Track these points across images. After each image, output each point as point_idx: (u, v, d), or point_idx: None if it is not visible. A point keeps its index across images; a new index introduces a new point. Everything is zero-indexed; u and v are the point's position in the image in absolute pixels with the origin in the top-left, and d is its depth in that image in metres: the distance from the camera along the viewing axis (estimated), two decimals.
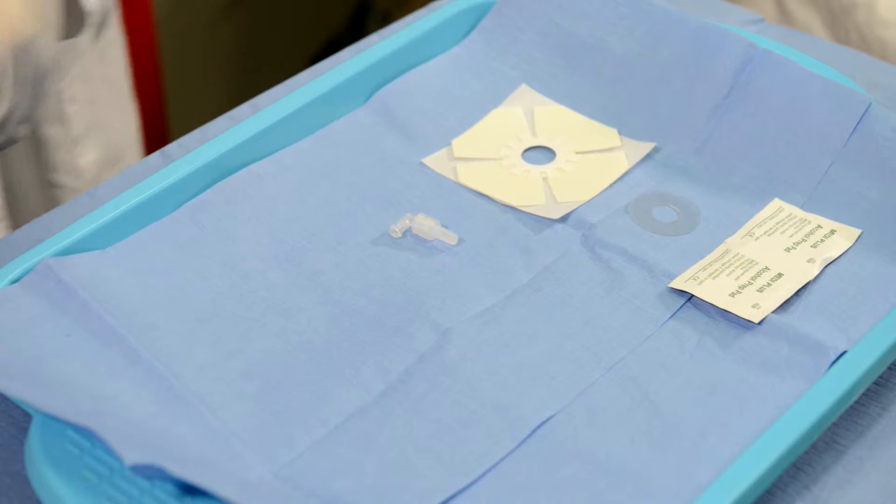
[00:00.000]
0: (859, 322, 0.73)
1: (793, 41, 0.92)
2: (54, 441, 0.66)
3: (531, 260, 0.78)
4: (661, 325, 0.74)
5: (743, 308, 0.73)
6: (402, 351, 0.72)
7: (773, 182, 0.81)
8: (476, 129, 0.86)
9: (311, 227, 0.79)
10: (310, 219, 0.79)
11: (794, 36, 0.97)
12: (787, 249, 0.77)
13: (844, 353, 0.70)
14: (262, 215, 0.79)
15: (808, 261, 0.76)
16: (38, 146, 1.12)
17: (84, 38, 1.00)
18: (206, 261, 0.76)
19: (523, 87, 0.89)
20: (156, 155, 0.86)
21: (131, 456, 0.62)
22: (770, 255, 0.77)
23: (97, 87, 1.16)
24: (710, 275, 0.75)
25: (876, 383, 0.72)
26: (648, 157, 0.84)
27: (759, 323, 0.73)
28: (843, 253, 0.77)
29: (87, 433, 0.66)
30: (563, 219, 0.80)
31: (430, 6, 0.98)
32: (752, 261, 0.76)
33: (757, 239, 0.78)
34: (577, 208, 0.81)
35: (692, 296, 0.75)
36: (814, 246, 0.77)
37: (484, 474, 0.66)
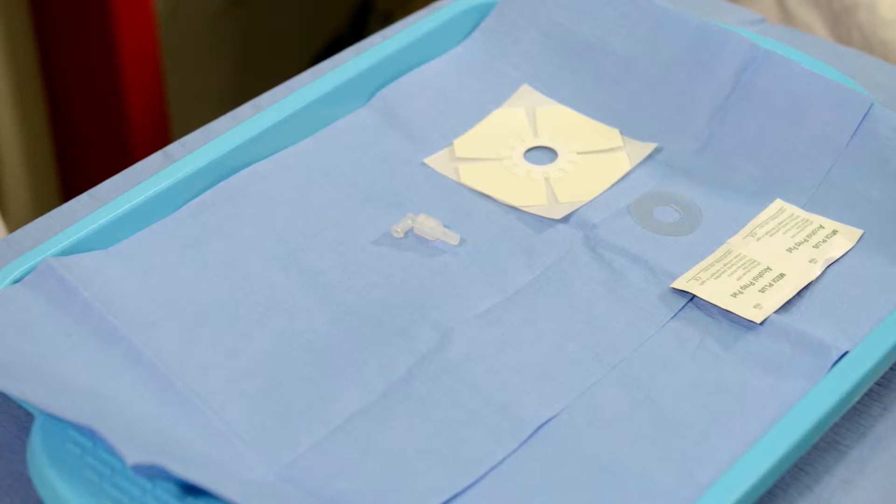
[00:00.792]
0: (861, 322, 0.73)
1: (794, 41, 0.93)
2: (56, 441, 0.66)
3: (533, 260, 0.78)
4: (663, 325, 0.74)
5: (745, 308, 0.73)
6: (403, 351, 0.72)
7: (775, 182, 0.81)
8: (478, 130, 0.86)
9: (312, 227, 0.79)
10: (311, 219, 0.79)
11: (796, 36, 0.97)
12: (789, 250, 0.77)
13: (846, 353, 0.70)
14: (264, 215, 0.79)
15: (810, 261, 0.76)
16: None
17: None
18: (208, 261, 0.76)
19: (525, 88, 0.89)
20: (158, 155, 0.86)
21: (133, 455, 0.62)
22: (772, 255, 0.77)
23: None
24: (712, 275, 0.75)
25: (878, 384, 0.72)
26: (650, 157, 0.84)
27: (761, 323, 0.73)
28: (845, 253, 0.77)
29: (88, 433, 0.66)
30: (565, 219, 0.80)
31: (432, 6, 0.98)
32: (754, 261, 0.76)
33: (759, 239, 0.78)
34: (578, 208, 0.81)
35: (694, 296, 0.75)
36: (816, 246, 0.77)
37: (486, 474, 0.66)
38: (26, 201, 1.52)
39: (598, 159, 0.84)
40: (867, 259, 0.77)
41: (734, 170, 0.82)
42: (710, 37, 0.86)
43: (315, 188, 0.81)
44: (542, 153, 0.85)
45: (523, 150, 0.85)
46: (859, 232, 0.78)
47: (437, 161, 0.84)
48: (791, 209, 0.80)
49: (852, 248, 0.78)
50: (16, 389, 0.66)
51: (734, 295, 0.74)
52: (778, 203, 0.80)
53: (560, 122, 0.86)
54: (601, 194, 0.82)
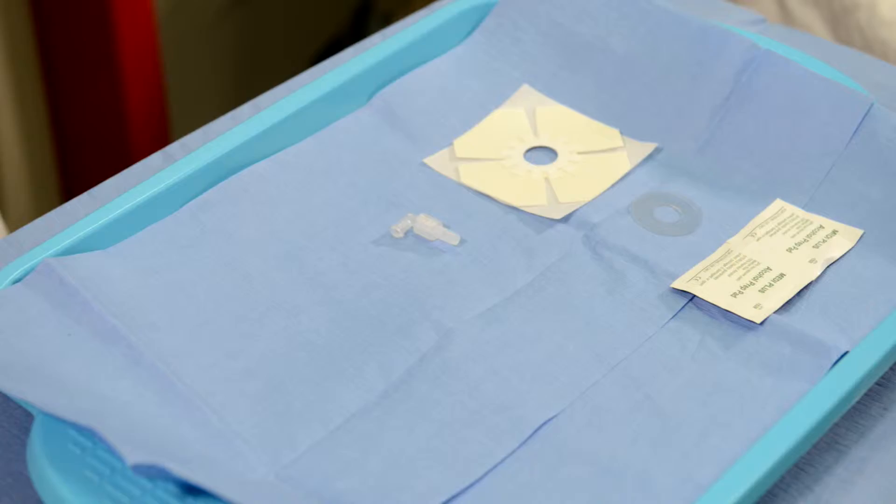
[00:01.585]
0: (861, 322, 0.73)
1: (794, 41, 0.92)
2: (56, 441, 0.66)
3: (533, 260, 0.78)
4: (663, 325, 0.74)
5: (745, 308, 0.73)
6: (403, 351, 0.72)
7: (775, 182, 0.81)
8: (478, 130, 0.86)
9: (312, 228, 0.79)
10: (311, 219, 0.79)
11: (796, 36, 0.97)
12: (789, 250, 0.77)
13: (846, 353, 0.70)
14: (264, 215, 0.79)
15: (810, 261, 0.76)
16: None
17: None
18: (208, 261, 0.76)
19: (525, 88, 0.89)
20: (157, 155, 0.86)
21: (133, 456, 0.62)
22: (772, 255, 0.77)
23: None
24: (712, 275, 0.75)
25: (878, 384, 0.72)
26: (650, 157, 0.84)
27: (761, 323, 0.73)
28: (846, 253, 0.77)
29: (88, 433, 0.66)
30: (565, 219, 0.80)
31: (432, 6, 0.98)
32: (754, 261, 0.76)
33: (759, 239, 0.78)
34: (578, 209, 0.81)
35: (694, 296, 0.75)
36: (816, 246, 0.77)
37: (486, 475, 0.66)
38: (26, 201, 1.52)
39: (598, 159, 0.84)
40: (867, 259, 0.77)
41: (734, 170, 0.83)
42: (710, 37, 0.86)
43: (315, 188, 0.81)
44: (543, 153, 0.85)
45: (523, 150, 0.85)
46: (859, 232, 0.78)
47: (437, 161, 0.84)
48: (791, 209, 0.80)
49: (852, 248, 0.78)
50: (16, 389, 0.66)
51: (734, 295, 0.74)
52: (778, 203, 0.80)
53: (560, 122, 0.86)
54: (601, 194, 0.82)
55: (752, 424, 0.68)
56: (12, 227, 1.36)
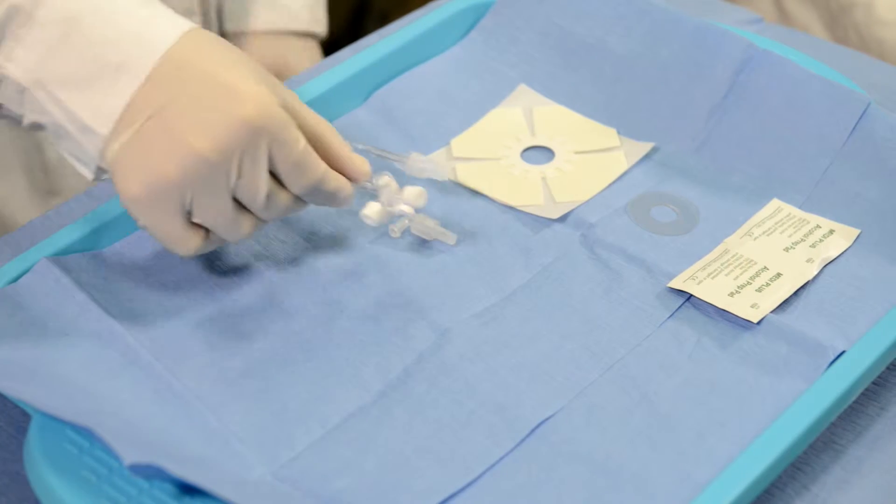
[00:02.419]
0: (858, 322, 0.73)
1: (792, 41, 0.93)
2: (53, 441, 0.66)
3: (530, 260, 0.78)
4: (660, 324, 0.74)
5: (742, 308, 0.73)
6: (401, 351, 0.72)
7: (772, 182, 0.81)
8: (475, 129, 0.86)
9: (309, 227, 0.79)
10: (309, 218, 0.79)
11: (793, 36, 0.97)
12: (786, 249, 0.77)
13: (843, 353, 0.70)
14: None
15: (807, 261, 0.76)
16: None
17: None
18: (205, 261, 0.76)
19: (522, 87, 0.89)
20: None
21: (130, 455, 0.62)
22: (769, 254, 0.77)
23: None
24: (709, 274, 0.75)
25: (874, 383, 0.73)
26: (647, 156, 0.84)
27: (758, 323, 0.73)
28: (842, 253, 0.77)
29: (86, 433, 0.66)
30: (562, 219, 0.80)
31: (429, 6, 0.98)
32: (751, 261, 0.76)
33: (756, 239, 0.78)
34: (576, 208, 0.81)
35: (691, 295, 0.75)
36: (813, 246, 0.77)
37: (483, 474, 0.66)
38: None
39: (595, 159, 0.84)
40: (864, 259, 0.77)
41: (731, 169, 0.83)
42: (707, 37, 0.86)
43: None
44: (540, 153, 0.85)
45: (520, 149, 0.85)
46: (856, 231, 0.78)
47: (435, 161, 0.84)
48: (788, 209, 0.80)
49: (849, 247, 0.78)
50: (13, 389, 0.66)
51: (731, 294, 0.74)
52: (775, 203, 0.80)
53: (557, 121, 0.86)
54: (598, 194, 0.82)
55: (749, 424, 0.68)
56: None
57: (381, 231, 0.79)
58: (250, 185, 0.69)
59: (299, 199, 0.72)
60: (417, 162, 0.79)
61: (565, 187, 0.82)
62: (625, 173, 0.83)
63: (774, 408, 0.68)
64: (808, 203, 0.80)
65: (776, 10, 1.29)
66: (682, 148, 0.84)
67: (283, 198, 0.71)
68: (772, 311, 0.73)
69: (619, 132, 0.86)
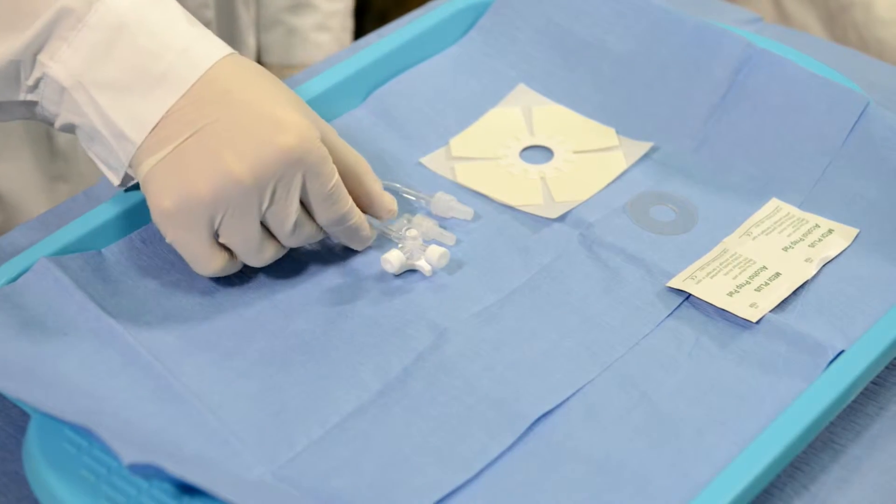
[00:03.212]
0: (857, 321, 0.73)
1: (791, 40, 0.93)
2: (52, 440, 0.66)
3: (529, 259, 0.78)
4: (659, 324, 0.74)
5: (741, 307, 0.73)
6: (399, 350, 0.72)
7: (771, 181, 0.81)
8: (474, 129, 0.86)
9: None
10: None
11: (792, 35, 0.97)
12: (785, 249, 0.77)
13: (842, 352, 0.70)
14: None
15: (806, 260, 0.76)
16: None
17: None
18: None
19: (521, 87, 0.88)
20: None
21: (129, 455, 0.62)
22: (768, 254, 0.77)
23: None
24: (708, 274, 0.75)
25: (874, 382, 0.73)
26: (646, 156, 0.84)
27: (757, 322, 0.73)
28: (841, 252, 0.77)
29: (84, 432, 0.66)
30: (561, 218, 0.80)
31: (428, 6, 0.98)
32: (750, 260, 0.76)
33: (755, 238, 0.78)
34: (574, 208, 0.81)
35: (690, 295, 0.75)
36: (812, 245, 0.77)
37: (482, 472, 0.66)
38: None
39: (594, 158, 0.84)
40: (863, 258, 0.77)
41: (730, 169, 0.83)
42: (706, 36, 0.86)
43: None
44: (539, 152, 0.85)
45: (519, 149, 0.85)
46: (855, 231, 0.78)
47: (433, 161, 0.84)
48: (787, 208, 0.80)
49: (848, 247, 0.78)
50: (12, 389, 0.66)
51: (730, 294, 0.74)
52: (774, 202, 0.80)
53: (556, 121, 0.86)
54: (597, 193, 0.82)
55: (748, 423, 0.68)
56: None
57: (380, 232, 0.79)
58: (280, 212, 0.71)
59: (321, 230, 0.74)
60: (443, 202, 0.79)
61: (564, 187, 0.82)
62: (624, 173, 0.83)
63: (773, 407, 0.68)
64: (807, 202, 0.80)
65: (775, 10, 1.29)
66: (681, 147, 0.84)
67: (308, 228, 0.73)
68: (771, 311, 0.73)
69: (618, 132, 0.85)
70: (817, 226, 0.79)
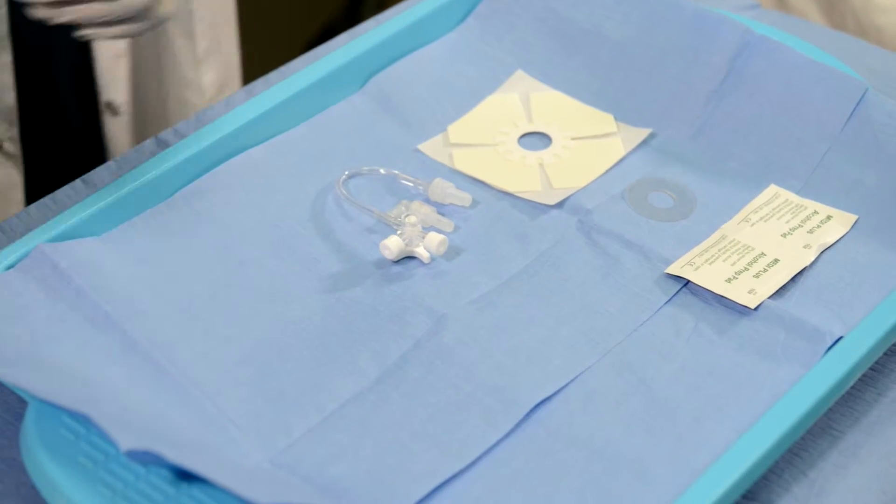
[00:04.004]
0: (855, 308, 0.73)
1: (789, 27, 0.92)
2: (50, 427, 0.66)
3: (527, 246, 0.77)
4: (657, 310, 0.74)
5: (739, 294, 0.73)
6: (397, 337, 0.72)
7: (770, 168, 0.81)
8: (472, 115, 0.86)
9: (306, 214, 0.79)
10: (305, 205, 0.79)
11: (790, 21, 0.97)
12: (784, 235, 0.77)
13: (841, 338, 0.70)
14: (258, 202, 0.79)
15: (805, 247, 0.76)
16: (163, 61, 1.13)
17: None
18: (201, 248, 0.76)
19: (519, 73, 0.88)
20: (150, 141, 0.86)
21: (126, 442, 0.62)
22: (766, 240, 0.76)
23: (216, 11, 1.18)
24: (707, 260, 0.75)
25: (872, 369, 0.72)
26: (645, 142, 0.84)
27: (756, 308, 0.73)
28: (840, 239, 0.77)
29: (82, 419, 0.66)
30: (559, 205, 0.80)
31: None
32: (749, 246, 0.76)
33: (753, 225, 0.78)
34: (573, 194, 0.80)
35: (688, 281, 0.75)
36: (810, 232, 0.77)
37: (480, 458, 0.66)
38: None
39: (592, 145, 0.84)
40: (861, 245, 0.77)
41: (729, 155, 0.82)
42: (704, 22, 0.85)
43: (309, 174, 0.81)
44: (537, 139, 0.85)
45: (517, 135, 0.85)
46: (853, 217, 0.78)
47: (431, 147, 0.84)
48: (785, 195, 0.80)
49: (847, 233, 0.78)
50: (9, 375, 0.66)
51: (728, 280, 0.74)
52: (772, 188, 0.80)
53: (554, 107, 0.86)
54: (595, 180, 0.82)
55: (747, 409, 0.68)
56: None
57: (379, 219, 0.79)
58: None
59: None
60: (441, 188, 0.79)
61: (562, 173, 0.82)
62: (622, 159, 0.83)
63: (772, 393, 0.68)
64: (806, 189, 0.80)
65: None
66: (679, 134, 0.84)
67: None
68: (769, 297, 0.73)
69: (616, 118, 0.85)
70: (816, 212, 0.78)
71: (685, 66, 0.85)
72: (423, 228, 0.77)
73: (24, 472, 0.67)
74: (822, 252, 0.76)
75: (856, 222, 0.78)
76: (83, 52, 1.05)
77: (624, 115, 0.85)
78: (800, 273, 0.75)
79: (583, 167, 0.82)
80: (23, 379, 0.66)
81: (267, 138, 0.82)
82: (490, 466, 0.66)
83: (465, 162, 0.83)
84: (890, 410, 0.71)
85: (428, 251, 0.75)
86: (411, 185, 0.80)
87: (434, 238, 0.75)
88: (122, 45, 1.05)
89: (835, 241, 0.77)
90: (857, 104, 0.81)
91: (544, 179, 0.82)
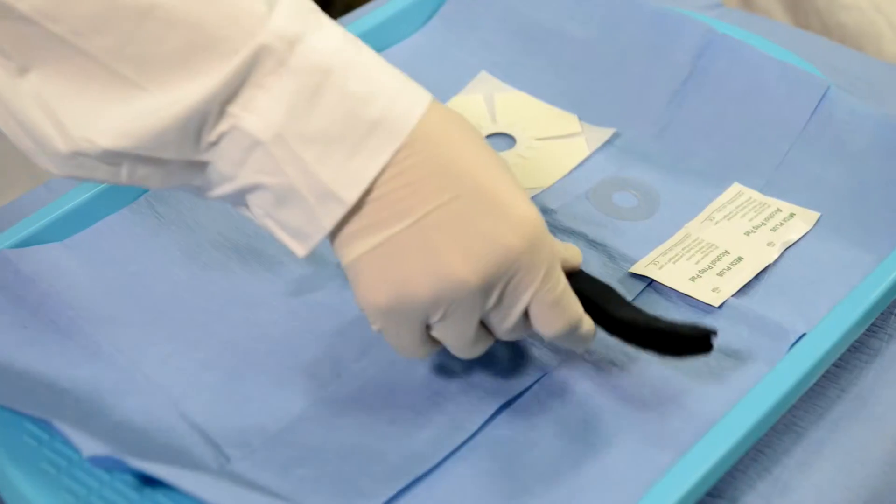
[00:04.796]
0: (818, 305, 0.73)
1: (752, 25, 0.93)
2: (12, 433, 0.66)
3: None
4: None
5: (703, 292, 0.73)
6: (362, 340, 0.72)
7: (733, 166, 0.82)
8: None
9: None
10: None
11: (754, 20, 0.98)
12: (747, 233, 0.77)
13: (804, 335, 0.71)
14: (222, 206, 0.79)
15: (768, 244, 0.77)
16: None
17: None
18: (166, 251, 0.76)
19: (483, 74, 0.88)
20: None
21: (89, 448, 0.62)
22: (730, 238, 0.77)
23: None
24: (671, 259, 0.75)
25: (835, 365, 0.73)
26: (608, 142, 0.84)
27: (720, 307, 0.73)
28: (803, 236, 0.78)
29: (45, 425, 0.65)
30: None
31: None
32: (712, 245, 0.76)
33: (717, 223, 0.78)
34: (537, 195, 0.81)
35: (653, 280, 0.75)
36: (773, 229, 0.77)
37: (446, 459, 0.66)
38: None
39: (556, 145, 0.84)
40: (824, 242, 0.77)
41: (692, 154, 0.83)
42: (666, 22, 0.86)
43: None
44: (501, 140, 0.85)
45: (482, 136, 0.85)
46: (816, 215, 0.79)
47: None
48: (749, 193, 0.80)
49: (810, 230, 0.78)
50: None
51: (692, 279, 0.74)
52: (736, 187, 0.81)
53: (518, 108, 0.86)
54: (560, 180, 0.82)
55: (711, 407, 0.68)
56: None
57: None
58: (504, 315, 0.63)
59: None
60: None
61: (527, 174, 0.82)
62: (586, 159, 0.83)
63: (736, 391, 0.68)
64: (769, 187, 0.80)
65: None
66: (642, 133, 0.84)
67: (524, 326, 0.64)
68: (733, 295, 0.74)
69: (579, 118, 0.85)
70: (779, 210, 0.79)
71: (648, 65, 0.85)
72: None
73: None
74: (786, 250, 0.77)
75: (818, 220, 0.78)
76: None
77: (588, 115, 0.85)
78: (763, 271, 0.75)
79: (547, 168, 0.82)
80: None
81: None
82: (455, 466, 0.66)
83: None
84: (853, 407, 0.71)
85: None
86: None
87: None
88: None
89: (798, 238, 0.77)
90: (819, 102, 0.81)
91: None
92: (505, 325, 0.64)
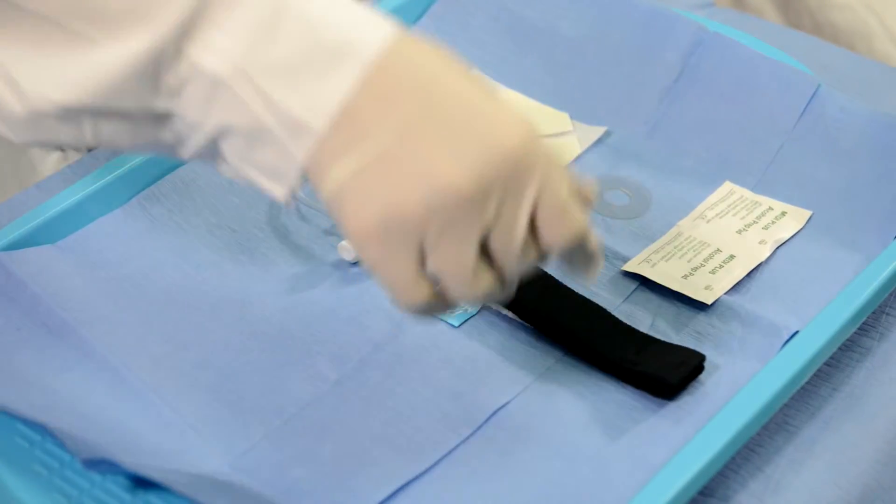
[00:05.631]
0: (811, 302, 0.73)
1: (743, 24, 0.93)
2: (4, 435, 0.65)
3: None
4: (615, 308, 0.74)
5: (695, 290, 0.74)
6: (356, 340, 0.72)
7: (724, 164, 0.82)
8: None
9: (263, 217, 0.79)
10: (262, 208, 0.79)
11: (745, 19, 0.98)
12: (739, 231, 0.77)
13: (796, 333, 0.71)
14: (214, 206, 0.79)
15: (760, 242, 0.77)
16: None
17: None
18: (158, 252, 0.76)
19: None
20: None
21: (83, 451, 0.62)
22: (722, 237, 0.77)
23: None
24: (663, 257, 0.75)
25: (827, 364, 0.73)
26: (600, 140, 0.84)
27: (712, 305, 0.73)
28: (795, 234, 0.78)
29: (37, 426, 0.65)
30: None
31: None
32: (704, 243, 0.76)
33: (709, 221, 0.78)
34: None
35: (645, 279, 0.75)
36: (765, 227, 0.78)
37: (440, 460, 0.66)
38: None
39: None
40: (816, 239, 0.77)
41: (683, 152, 0.83)
42: (658, 20, 0.86)
43: None
44: None
45: None
46: (808, 213, 0.79)
47: None
48: (740, 191, 0.80)
49: (801, 229, 0.78)
50: None
51: (685, 277, 0.74)
52: (727, 185, 0.81)
53: None
54: None
55: (704, 405, 0.68)
56: None
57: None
58: (508, 229, 0.57)
59: (544, 259, 0.60)
60: None
61: None
62: (578, 157, 0.83)
63: (728, 389, 0.68)
64: (760, 185, 0.81)
65: None
66: (634, 132, 0.84)
67: (533, 253, 0.59)
68: (725, 293, 0.74)
69: (571, 117, 0.86)
70: (770, 208, 0.79)
71: (639, 63, 0.85)
72: None
73: None
74: (778, 248, 0.77)
75: (810, 218, 0.78)
76: None
77: (579, 114, 0.86)
78: (755, 269, 0.75)
79: None
80: None
81: None
82: (449, 468, 0.66)
83: None
84: (845, 405, 0.71)
85: None
86: None
87: None
88: None
89: (790, 236, 0.77)
90: (810, 100, 0.81)
91: None
92: (512, 244, 0.57)
